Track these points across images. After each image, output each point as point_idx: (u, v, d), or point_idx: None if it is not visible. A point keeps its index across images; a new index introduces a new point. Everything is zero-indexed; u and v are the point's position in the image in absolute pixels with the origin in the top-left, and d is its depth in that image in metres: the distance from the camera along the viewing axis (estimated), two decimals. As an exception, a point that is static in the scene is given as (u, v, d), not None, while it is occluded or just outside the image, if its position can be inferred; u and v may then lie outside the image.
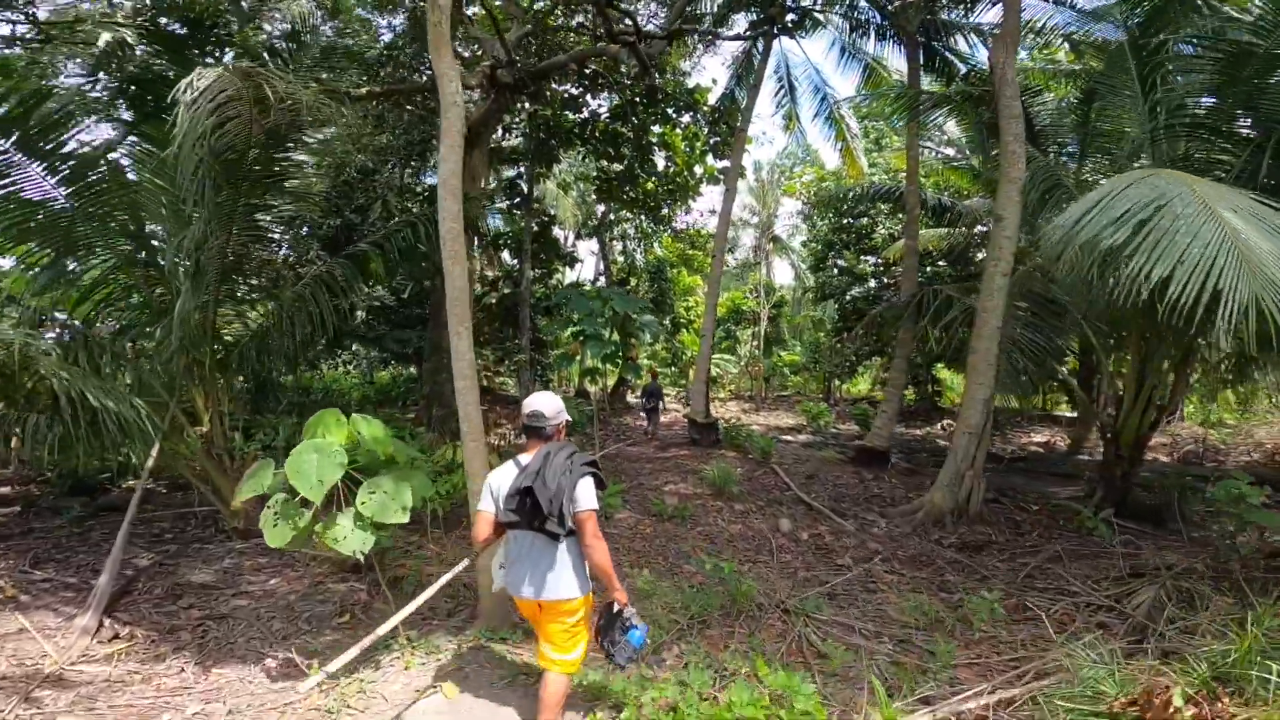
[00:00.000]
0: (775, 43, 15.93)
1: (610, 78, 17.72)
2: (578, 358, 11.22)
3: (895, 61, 16.18)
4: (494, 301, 19.51)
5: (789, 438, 15.58)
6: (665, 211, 21.58)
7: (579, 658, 2.87)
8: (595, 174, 21.10)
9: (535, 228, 21.69)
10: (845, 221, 21.85)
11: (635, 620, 2.73)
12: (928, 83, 14.56)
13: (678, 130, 19.50)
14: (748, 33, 16.70)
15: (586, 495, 2.63)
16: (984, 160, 13.20)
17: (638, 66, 17.69)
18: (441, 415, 13.52)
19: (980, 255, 15.91)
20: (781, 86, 18.12)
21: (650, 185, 20.79)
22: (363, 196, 15.10)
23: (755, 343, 32.08)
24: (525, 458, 2.76)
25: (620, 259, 25.38)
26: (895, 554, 6.90)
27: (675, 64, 18.96)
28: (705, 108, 18.01)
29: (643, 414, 15.34)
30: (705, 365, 13.41)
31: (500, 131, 20.21)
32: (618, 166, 20.22)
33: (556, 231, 30.19)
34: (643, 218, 22.44)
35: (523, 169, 20.27)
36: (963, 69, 13.71)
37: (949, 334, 10.62)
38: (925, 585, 6.00)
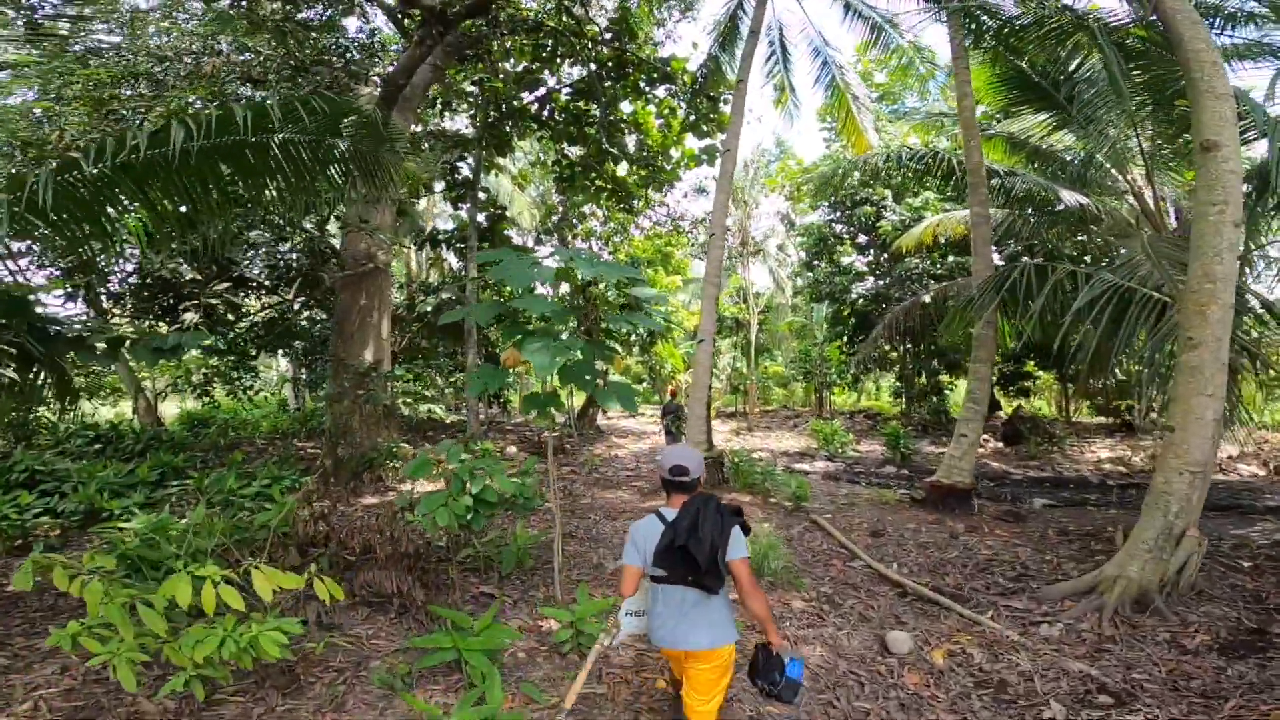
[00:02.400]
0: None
1: (572, 41, 14.68)
2: (516, 373, 8.04)
3: (910, 21, 13.60)
4: (430, 310, 16.04)
5: (804, 467, 12.48)
6: (638, 203, 18.53)
7: (718, 704, 2.79)
8: (555, 160, 17.91)
9: (484, 223, 18.36)
10: (842, 211, 19.04)
11: (789, 654, 2.74)
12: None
13: (650, 107, 16.56)
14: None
15: (739, 545, 2.64)
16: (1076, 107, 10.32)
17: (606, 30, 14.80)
18: (348, 457, 10.08)
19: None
20: (773, 51, 15.27)
21: (618, 171, 17.76)
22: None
23: (736, 354, 29.12)
24: (669, 511, 2.72)
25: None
26: (1131, 684, 3.76)
27: (647, 30, 15.97)
28: (685, 76, 15.09)
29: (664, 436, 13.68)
30: (705, 382, 10.24)
31: (438, 107, 16.89)
32: (580, 151, 17.16)
33: (513, 236, 26.93)
34: (611, 210, 19.29)
35: (469, 155, 16.94)
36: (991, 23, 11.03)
37: (1049, 324, 7.70)
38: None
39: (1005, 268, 8.03)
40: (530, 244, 28.72)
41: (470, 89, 15.77)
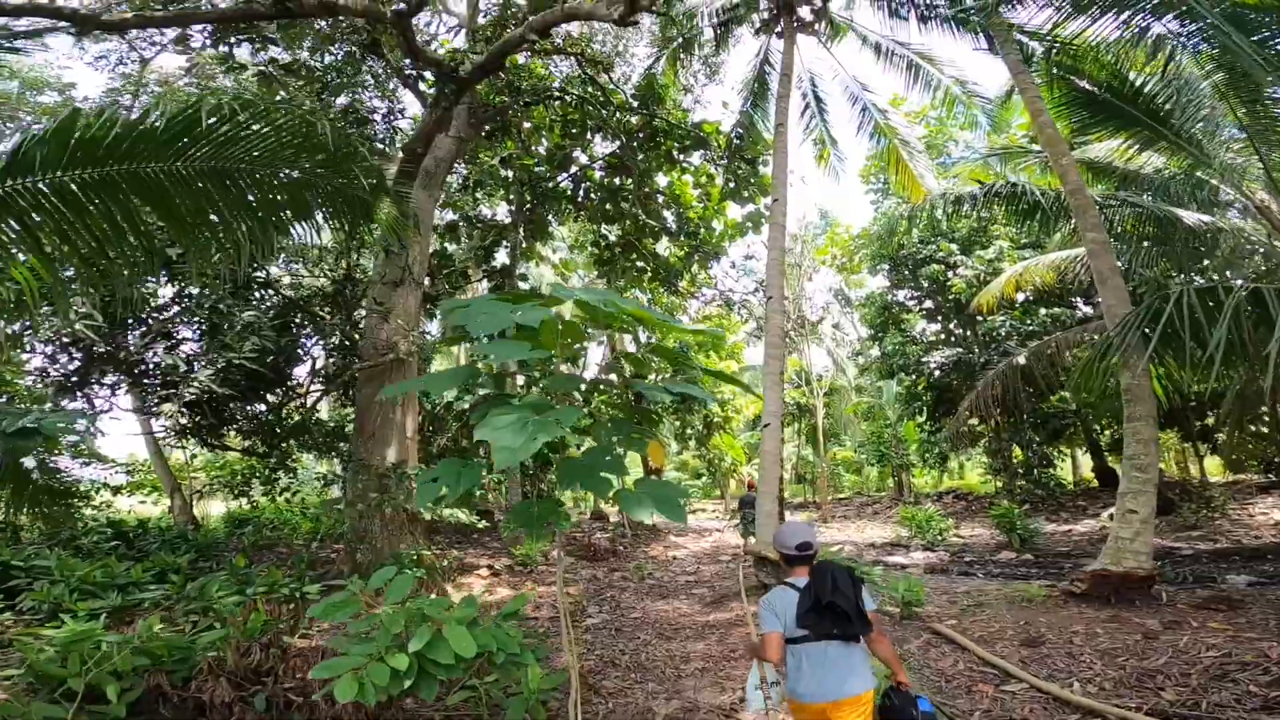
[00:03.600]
0: (794, 45, 12.30)
1: (599, 111, 14.24)
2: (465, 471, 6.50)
3: (945, 50, 12.70)
4: (465, 408, 14.93)
5: (899, 560, 10.40)
6: (682, 283, 17.50)
7: None
8: (592, 242, 17.20)
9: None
10: (905, 273, 17.50)
11: (916, 691, 2.88)
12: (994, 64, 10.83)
13: (687, 177, 15.84)
14: (756, 28, 13.18)
15: (870, 599, 2.89)
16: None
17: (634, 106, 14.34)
18: (365, 564, 8.72)
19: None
20: (807, 104, 14.47)
21: (659, 249, 16.88)
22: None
23: (801, 441, 26.97)
24: (799, 581, 2.89)
25: (631, 347, 20.98)
26: None
27: (674, 96, 15.48)
28: (718, 138, 14.36)
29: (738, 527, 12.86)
30: (775, 473, 8.62)
31: (471, 187, 16.51)
32: (618, 230, 16.43)
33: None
34: (654, 292, 18.29)
35: (506, 241, 16.38)
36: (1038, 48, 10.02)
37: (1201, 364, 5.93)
38: None
39: (1155, 296, 6.34)
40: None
41: (503, 171, 15.36)
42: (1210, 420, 14.10)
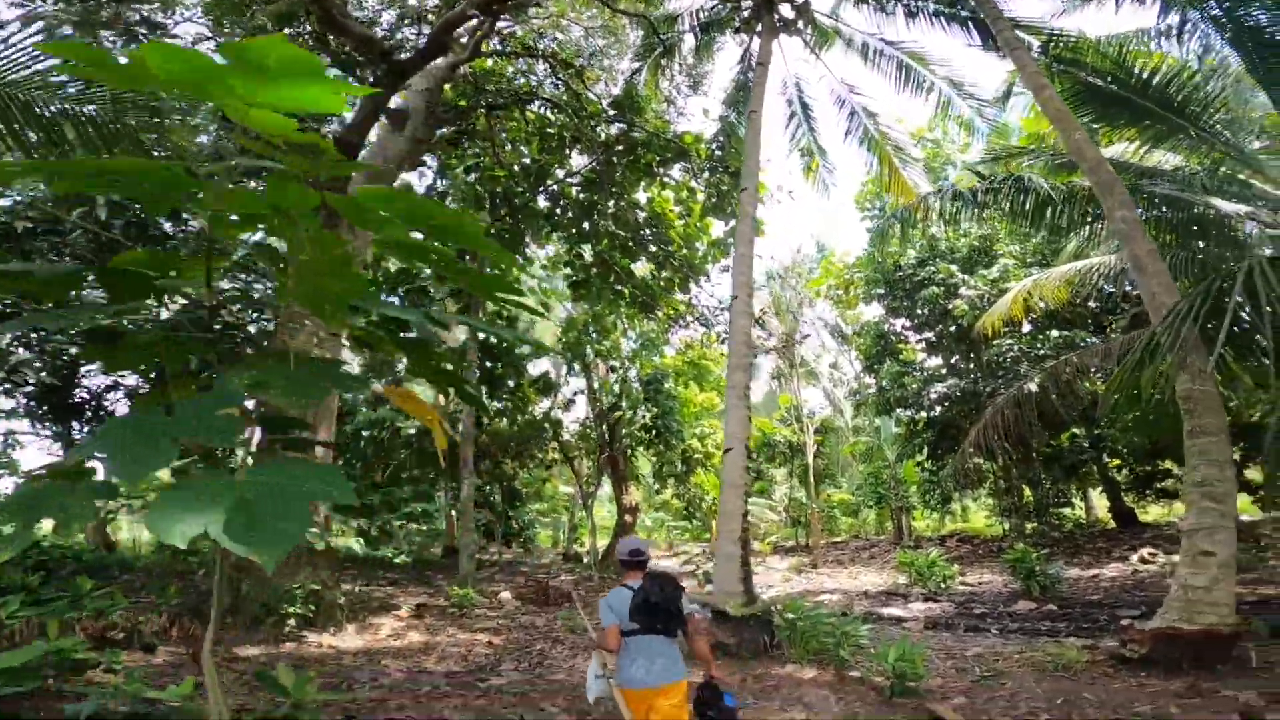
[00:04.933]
0: (776, 46, 11.33)
1: (574, 120, 13.26)
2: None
3: (936, 47, 11.71)
4: (412, 434, 13.48)
5: (895, 612, 8.80)
6: (661, 310, 16.25)
7: None
8: (566, 262, 16.00)
9: (490, 338, 16.26)
10: (901, 298, 16.22)
11: (725, 687, 3.30)
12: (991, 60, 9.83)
13: (667, 193, 14.77)
14: (737, 27, 12.22)
15: (688, 604, 3.34)
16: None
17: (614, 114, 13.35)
18: (250, 595, 7.27)
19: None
20: (793, 112, 13.48)
21: (635, 268, 15.68)
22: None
23: (793, 482, 25.28)
24: (634, 583, 3.28)
25: (611, 377, 19.54)
26: None
27: (655, 108, 14.52)
28: (699, 149, 13.36)
29: None
30: (737, 507, 7.13)
31: (427, 194, 15.38)
32: (594, 250, 15.28)
33: (546, 366, 24.83)
34: (632, 317, 16.99)
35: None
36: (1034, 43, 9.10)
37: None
38: None
39: (1217, 276, 5.01)
40: (560, 370, 26.67)
41: (470, 179, 14.25)
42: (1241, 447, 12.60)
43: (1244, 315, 4.96)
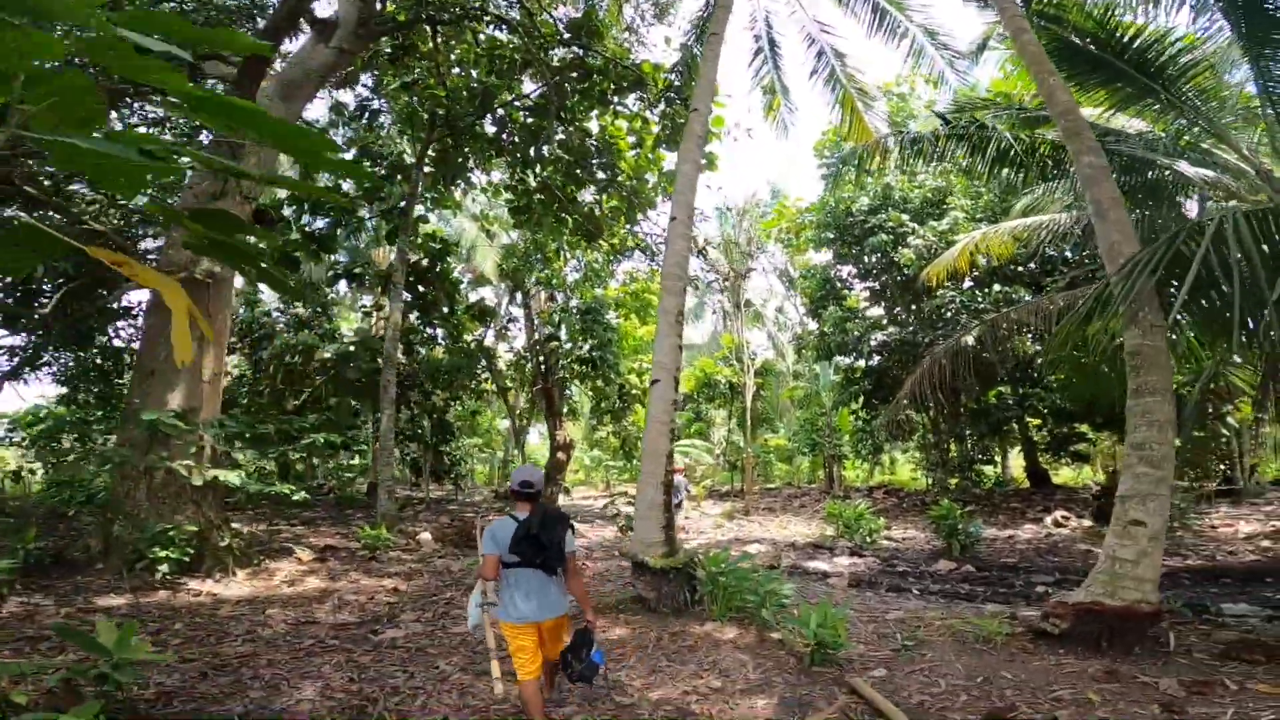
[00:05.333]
0: None
1: (524, 39, 12.09)
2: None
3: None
4: (329, 359, 12.55)
5: (821, 566, 8.72)
6: (606, 243, 15.53)
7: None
8: (509, 187, 15.00)
9: (423, 260, 15.24)
10: (849, 243, 15.87)
11: (595, 639, 3.39)
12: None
13: (620, 123, 13.84)
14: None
15: (572, 541, 3.47)
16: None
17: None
18: (123, 538, 6.50)
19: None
20: (759, 48, 12.58)
21: (582, 196, 14.82)
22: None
23: (732, 425, 25.40)
24: (521, 514, 3.35)
25: (550, 306, 18.78)
26: None
27: (615, 34, 13.41)
28: (657, 77, 12.47)
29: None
30: (661, 448, 6.61)
31: (365, 119, 14.10)
32: (540, 175, 14.33)
33: (486, 294, 23.78)
34: (575, 246, 16.18)
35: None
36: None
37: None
38: None
39: (1181, 229, 4.67)
40: (503, 300, 25.67)
41: (407, 98, 12.99)
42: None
43: (1208, 271, 4.65)
